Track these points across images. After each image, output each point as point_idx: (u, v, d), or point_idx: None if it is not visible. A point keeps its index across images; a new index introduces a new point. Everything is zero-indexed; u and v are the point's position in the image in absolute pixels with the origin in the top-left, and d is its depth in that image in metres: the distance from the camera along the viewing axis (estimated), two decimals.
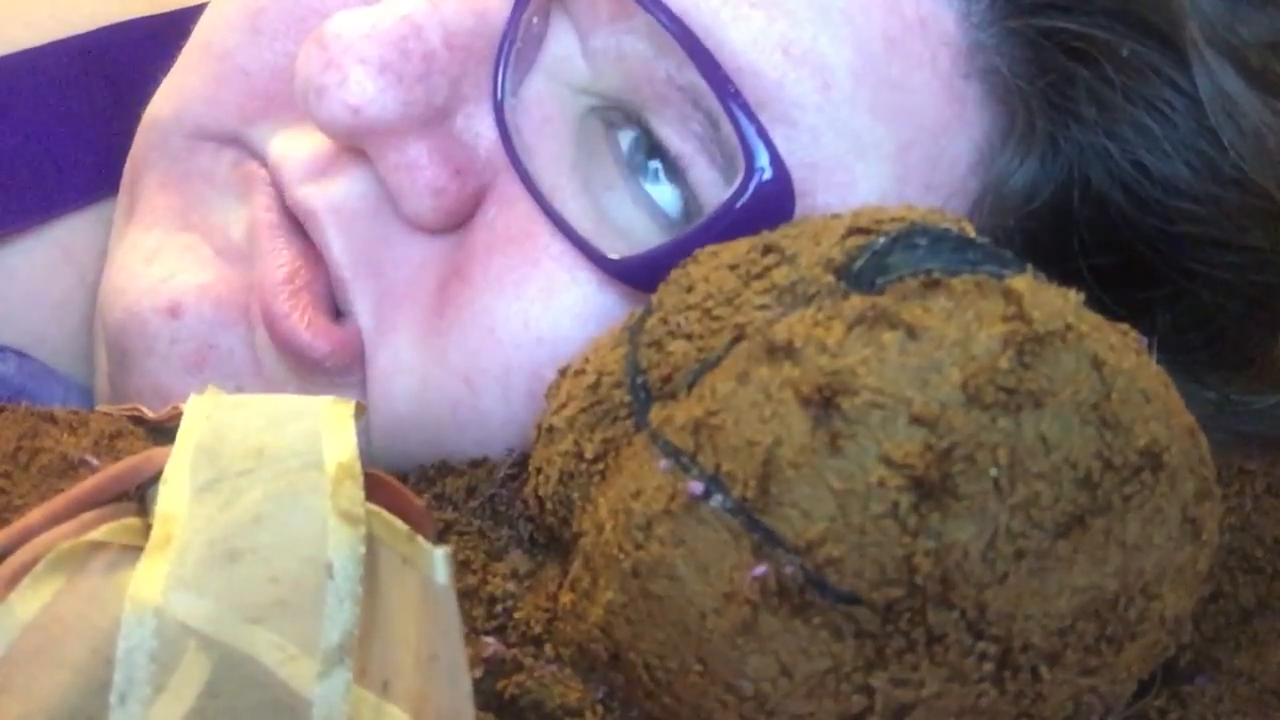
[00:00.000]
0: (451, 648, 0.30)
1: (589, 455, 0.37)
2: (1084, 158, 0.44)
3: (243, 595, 0.28)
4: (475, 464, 0.43)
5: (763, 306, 0.36)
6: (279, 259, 0.44)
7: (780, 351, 0.33)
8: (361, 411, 0.32)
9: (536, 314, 0.42)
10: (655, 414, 0.36)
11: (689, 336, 0.36)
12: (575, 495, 0.38)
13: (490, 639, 0.36)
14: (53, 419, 0.38)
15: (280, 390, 0.44)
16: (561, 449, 0.38)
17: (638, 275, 0.41)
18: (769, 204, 0.41)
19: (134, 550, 0.29)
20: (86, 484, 0.31)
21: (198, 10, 0.49)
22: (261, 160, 0.45)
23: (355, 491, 0.30)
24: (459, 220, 0.43)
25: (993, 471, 0.32)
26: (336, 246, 0.43)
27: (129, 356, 0.45)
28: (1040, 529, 0.32)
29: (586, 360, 0.39)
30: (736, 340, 0.35)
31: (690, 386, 0.35)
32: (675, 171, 0.43)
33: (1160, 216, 0.44)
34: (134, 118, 0.49)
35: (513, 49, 0.43)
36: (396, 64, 0.41)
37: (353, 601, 0.28)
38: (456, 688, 0.30)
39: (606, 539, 0.35)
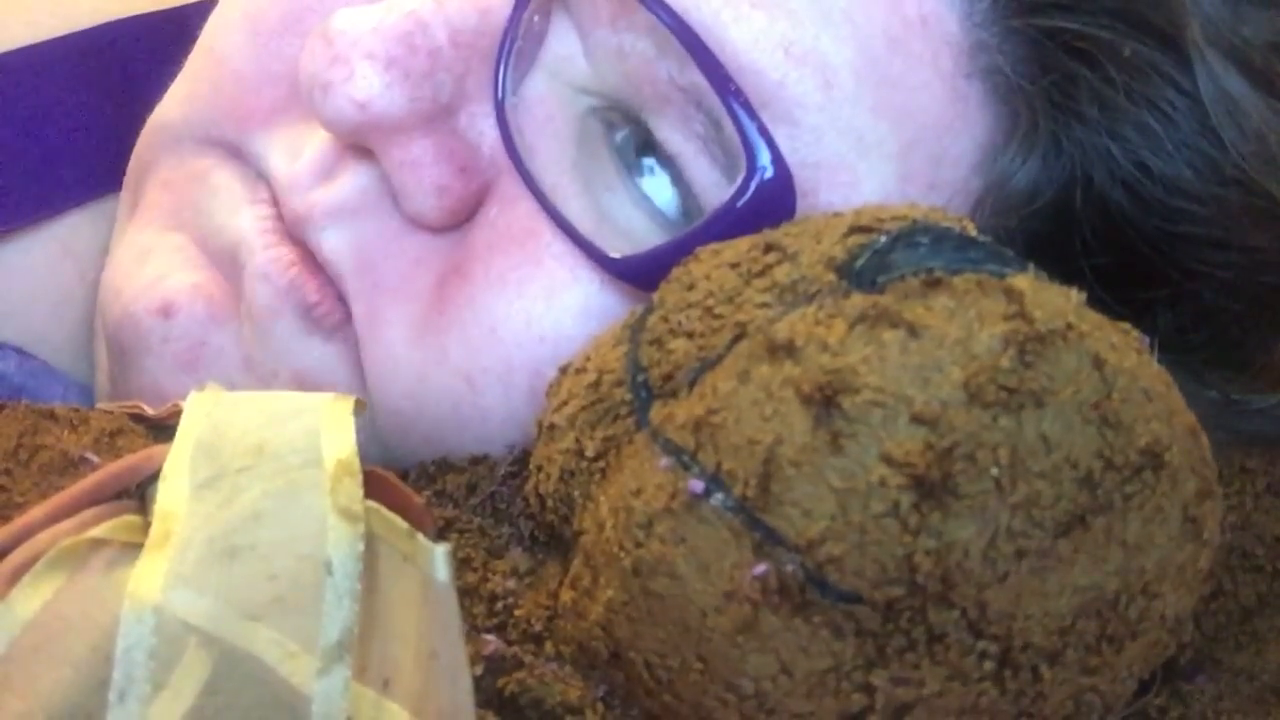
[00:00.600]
0: (452, 645, 0.30)
1: (590, 453, 0.37)
2: (1086, 157, 0.44)
3: (242, 592, 0.28)
4: (476, 461, 0.43)
5: (764, 305, 0.36)
6: (277, 253, 0.44)
7: (781, 350, 0.33)
8: (361, 408, 0.32)
9: (538, 313, 0.42)
10: (656, 412, 0.36)
11: (690, 335, 0.36)
12: (576, 493, 0.38)
13: (491, 636, 0.36)
14: (53, 416, 0.38)
15: (271, 387, 0.44)
16: (562, 447, 0.38)
17: (639, 274, 0.41)
18: (770, 203, 0.41)
19: (134, 548, 0.29)
20: (87, 481, 0.31)
21: (199, 7, 0.49)
22: (260, 172, 0.45)
23: (354, 489, 0.30)
24: (460, 219, 0.43)
25: (994, 470, 0.31)
26: (331, 243, 0.43)
27: (127, 355, 0.45)
28: (1041, 528, 0.32)
29: (587, 358, 0.39)
30: (738, 339, 0.35)
31: (691, 385, 0.35)
32: (673, 171, 0.43)
33: (1162, 216, 0.44)
34: (135, 114, 0.49)
35: (513, 47, 0.43)
36: (403, 60, 0.41)
37: (352, 599, 0.28)
38: (457, 685, 0.30)
39: (607, 537, 0.35)
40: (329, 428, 0.31)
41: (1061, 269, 0.36)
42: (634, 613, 0.34)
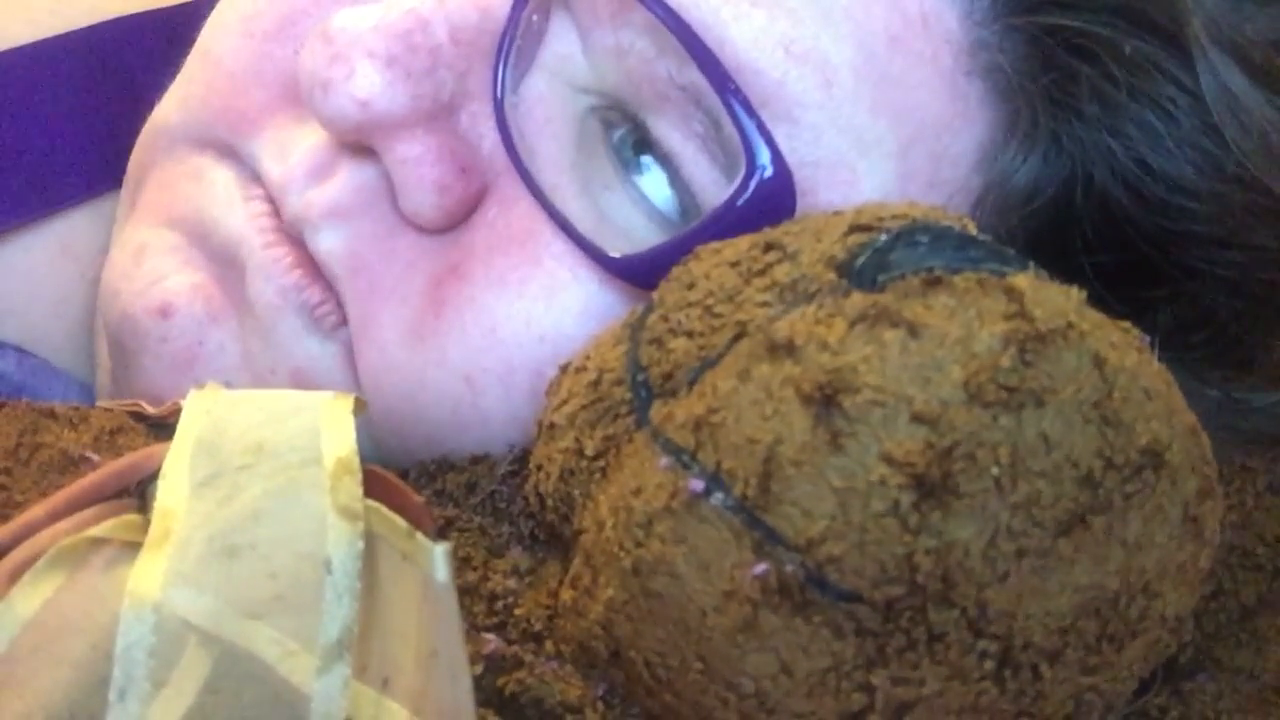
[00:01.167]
0: (452, 644, 0.30)
1: (590, 452, 0.37)
2: (1087, 155, 0.44)
3: (242, 591, 0.28)
4: (476, 460, 0.43)
5: (764, 304, 0.36)
6: (277, 253, 0.44)
7: (781, 349, 0.33)
8: (361, 407, 0.32)
9: (539, 313, 0.42)
10: (656, 411, 0.36)
11: (690, 334, 0.36)
12: (576, 492, 0.38)
13: (491, 636, 0.36)
14: (53, 415, 0.38)
15: (269, 384, 0.44)
16: (562, 446, 0.38)
17: (639, 273, 0.41)
18: (770, 202, 0.41)
19: (134, 546, 0.29)
20: (87, 480, 0.31)
21: (197, 5, 0.49)
22: (255, 172, 0.45)
23: (354, 487, 0.30)
24: (456, 221, 0.43)
25: (994, 470, 0.31)
26: (326, 244, 0.43)
27: (126, 355, 0.45)
28: (1041, 527, 0.32)
29: (588, 357, 0.39)
30: (738, 338, 0.35)
31: (691, 384, 0.35)
32: (671, 170, 0.43)
33: (1163, 214, 0.44)
34: (134, 113, 0.49)
35: (513, 46, 0.43)
36: (404, 58, 0.41)
37: (351, 597, 0.28)
38: (457, 684, 0.30)
39: (607, 536, 0.35)
40: (329, 426, 0.31)
41: (1062, 267, 0.36)
42: (634, 612, 0.34)
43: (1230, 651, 0.41)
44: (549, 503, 0.39)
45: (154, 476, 0.31)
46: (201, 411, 0.31)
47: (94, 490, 0.31)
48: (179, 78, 0.48)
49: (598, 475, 0.37)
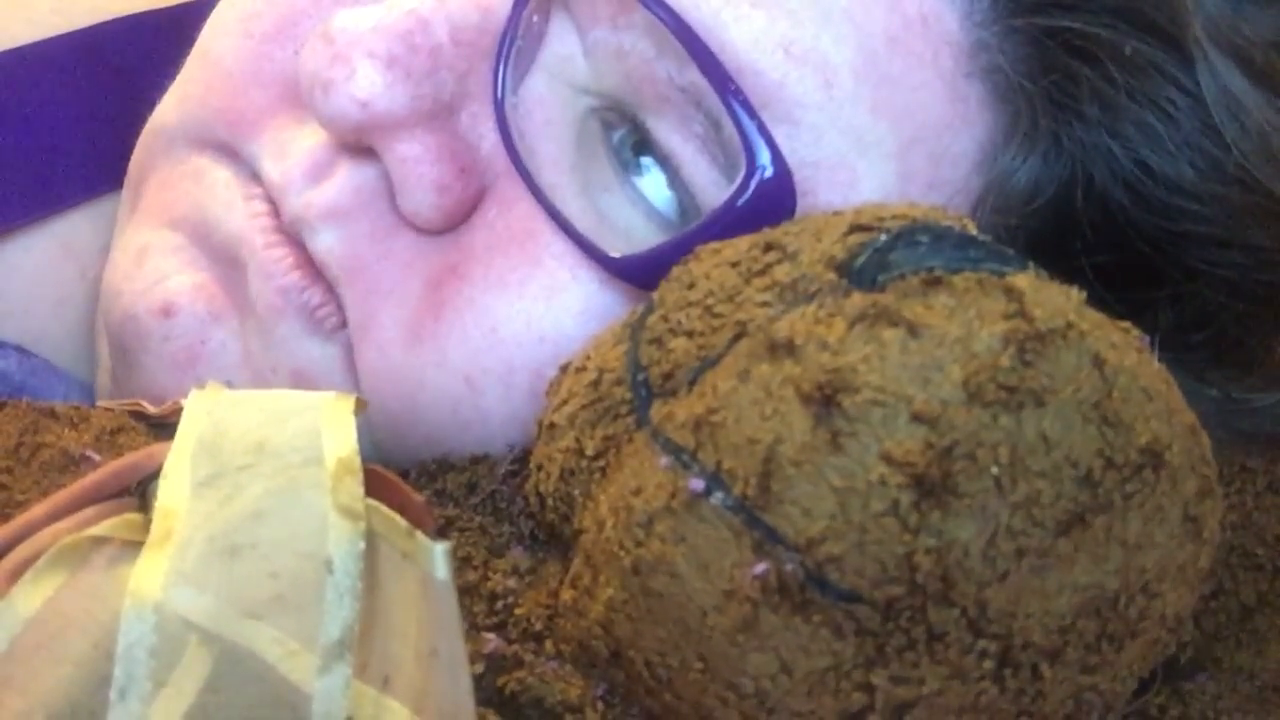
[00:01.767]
0: (452, 643, 0.30)
1: (590, 452, 0.37)
2: (1087, 156, 0.44)
3: (243, 590, 0.28)
4: (476, 460, 0.43)
5: (764, 304, 0.36)
6: (278, 253, 0.44)
7: (781, 349, 0.33)
8: (361, 407, 0.32)
9: (539, 313, 0.42)
10: (656, 411, 0.36)
11: (690, 334, 0.36)
12: (576, 492, 0.38)
13: (491, 635, 0.36)
14: (54, 414, 0.38)
15: (269, 384, 0.44)
16: (562, 446, 0.38)
17: (639, 273, 0.41)
18: (770, 202, 0.41)
19: (135, 546, 0.29)
20: (88, 479, 0.31)
21: (198, 5, 0.49)
22: (254, 173, 0.45)
23: (355, 487, 0.30)
24: (454, 222, 0.43)
25: (994, 469, 0.31)
26: (325, 245, 0.43)
27: (128, 355, 0.45)
28: (1041, 527, 0.32)
29: (588, 357, 0.39)
30: (737, 338, 0.35)
31: (691, 384, 0.35)
32: (671, 171, 0.43)
33: (1163, 215, 0.44)
34: (135, 112, 0.49)
35: (513, 47, 0.43)
36: (404, 58, 0.41)
37: (352, 597, 0.28)
38: (457, 683, 0.30)
39: (607, 536, 0.35)
40: (330, 426, 0.31)
41: (1062, 268, 0.36)
42: (634, 611, 0.34)
43: (1230, 651, 0.41)
44: (549, 502, 0.39)
45: (155, 476, 0.31)
46: (203, 411, 0.31)
47: (95, 489, 0.31)
48: (179, 78, 0.48)
49: (598, 475, 0.37)
